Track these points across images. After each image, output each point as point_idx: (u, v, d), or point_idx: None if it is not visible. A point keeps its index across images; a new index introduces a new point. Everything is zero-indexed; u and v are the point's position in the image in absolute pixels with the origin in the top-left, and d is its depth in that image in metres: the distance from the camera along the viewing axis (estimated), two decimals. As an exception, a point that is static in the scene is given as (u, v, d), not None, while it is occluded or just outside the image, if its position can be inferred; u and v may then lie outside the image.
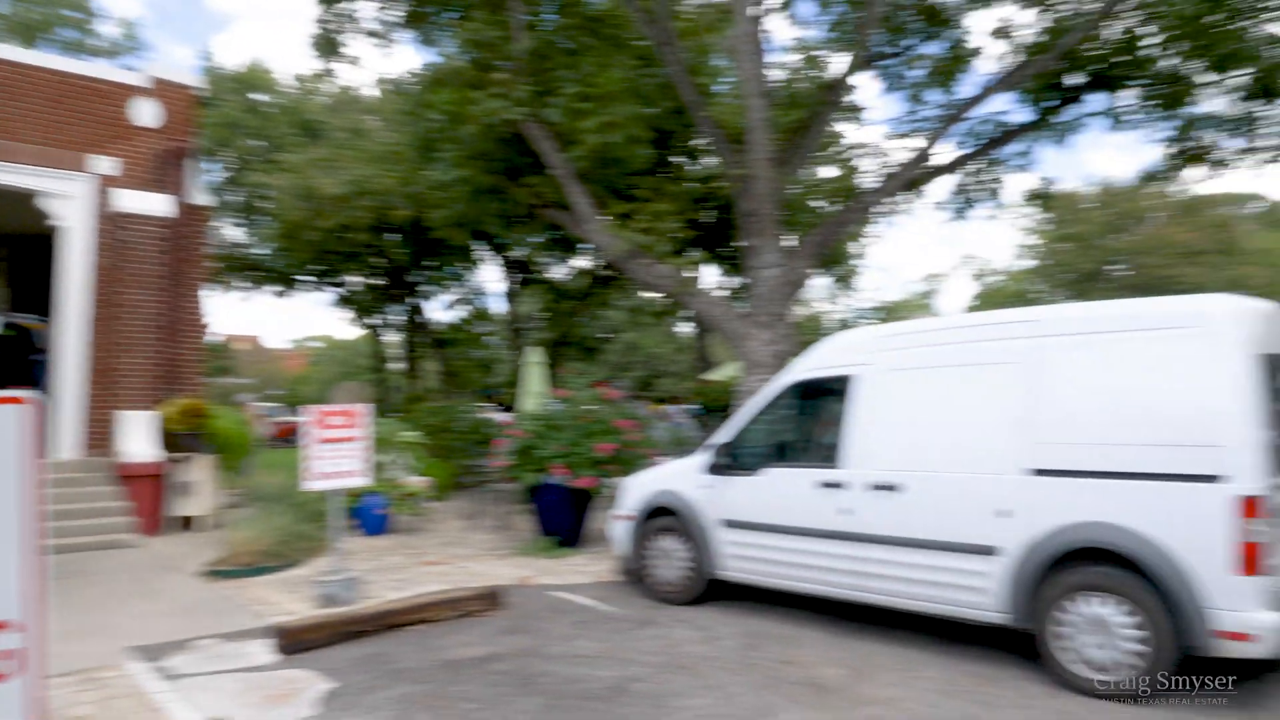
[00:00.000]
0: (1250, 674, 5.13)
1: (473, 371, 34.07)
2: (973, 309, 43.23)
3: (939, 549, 5.54)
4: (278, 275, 24.95)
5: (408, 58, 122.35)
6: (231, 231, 24.97)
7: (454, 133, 10.76)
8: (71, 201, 10.51)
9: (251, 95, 24.35)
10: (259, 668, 5.52)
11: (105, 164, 10.71)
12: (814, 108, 10.96)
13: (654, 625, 6.51)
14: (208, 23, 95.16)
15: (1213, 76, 10.82)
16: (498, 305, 31.02)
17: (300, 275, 25.29)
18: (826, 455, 6.32)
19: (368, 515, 10.24)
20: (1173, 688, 4.82)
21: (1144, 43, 10.91)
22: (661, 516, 7.25)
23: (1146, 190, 33.06)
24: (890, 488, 5.77)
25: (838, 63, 11.37)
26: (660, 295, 13.28)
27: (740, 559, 6.71)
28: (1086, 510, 4.93)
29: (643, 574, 7.40)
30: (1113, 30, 10.84)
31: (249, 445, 12.57)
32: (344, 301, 28.17)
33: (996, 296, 41.55)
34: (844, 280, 24.21)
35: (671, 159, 17.28)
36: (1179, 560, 4.60)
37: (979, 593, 5.36)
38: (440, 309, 30.77)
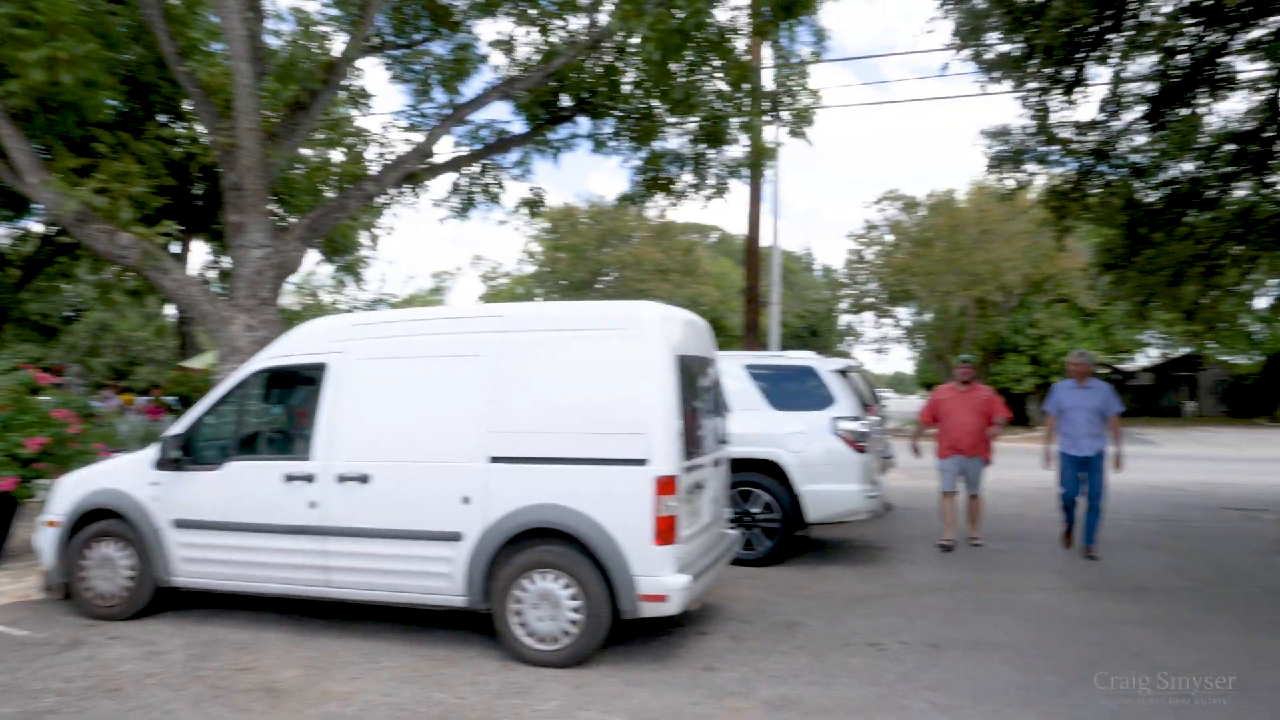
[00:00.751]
0: (663, 629, 5.98)
1: None
2: (479, 308, 44.99)
3: (408, 538, 5.56)
4: None
5: None
6: None
7: None
8: None
9: None
10: None
11: None
12: (313, 85, 10.43)
13: (83, 646, 5.64)
14: None
15: (674, 119, 12.53)
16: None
17: None
18: (296, 447, 6.02)
19: None
20: (604, 649, 5.42)
21: (626, 79, 12.25)
22: (101, 519, 6.29)
23: (629, 211, 37.42)
24: (361, 479, 5.66)
25: (342, 42, 10.96)
26: (125, 269, 11.57)
27: (197, 562, 6.09)
28: (538, 494, 5.31)
29: (75, 588, 6.36)
30: (598, 63, 11.98)
31: None
32: None
33: (502, 298, 43.82)
34: (351, 270, 23.50)
35: (158, 116, 15.28)
36: (613, 535, 5.16)
37: (444, 578, 5.50)
38: None
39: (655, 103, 12.12)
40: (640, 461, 5.15)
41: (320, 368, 5.98)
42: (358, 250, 22.51)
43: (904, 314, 40.24)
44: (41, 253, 19.69)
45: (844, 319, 45.39)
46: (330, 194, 14.08)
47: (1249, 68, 11.54)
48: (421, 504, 5.54)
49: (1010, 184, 12.04)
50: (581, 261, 39.81)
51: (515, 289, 44.01)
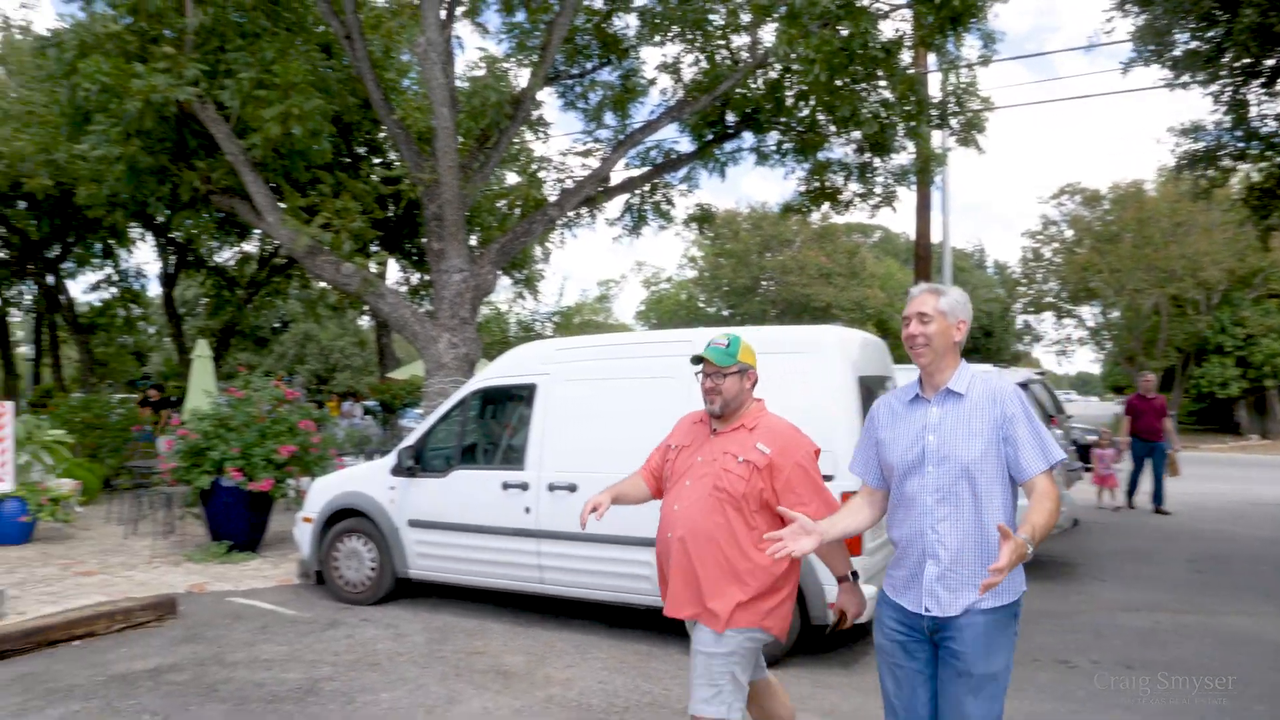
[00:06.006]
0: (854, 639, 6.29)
1: (124, 361, 30.67)
2: (641, 314, 46.26)
3: (612, 543, 6.14)
4: None
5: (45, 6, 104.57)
6: None
7: (111, 106, 9.78)
8: None
9: None
10: (-126, 706, 4.90)
11: None
12: (500, 119, 11.32)
13: (341, 626, 6.59)
14: None
15: (838, 130, 12.70)
16: (153, 288, 28.04)
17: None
18: (511, 458, 6.79)
19: (6, 523, 9.16)
20: (790, 655, 5.80)
21: (789, 95, 12.55)
22: (349, 518, 7.32)
23: (790, 217, 37.37)
24: (569, 488, 6.32)
25: (522, 77, 11.82)
26: (345, 295, 12.93)
27: (428, 558, 6.97)
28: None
29: (328, 576, 7.41)
30: (763, 80, 12.33)
31: None
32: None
33: (665, 303, 44.73)
34: (528, 283, 24.88)
35: (356, 150, 16.88)
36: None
37: (648, 580, 6.01)
38: (85, 290, 27.06)
39: (820, 115, 12.33)
40: (828, 478, 5.50)
41: (530, 388, 6.72)
42: (533, 264, 23.83)
43: (1088, 313, 38.28)
44: (261, 274, 22.09)
45: (1021, 319, 43.60)
46: (505, 213, 15.07)
47: None
48: (625, 512, 6.12)
49: (1203, 183, 11.48)
50: (744, 267, 40.08)
51: (678, 294, 44.81)
